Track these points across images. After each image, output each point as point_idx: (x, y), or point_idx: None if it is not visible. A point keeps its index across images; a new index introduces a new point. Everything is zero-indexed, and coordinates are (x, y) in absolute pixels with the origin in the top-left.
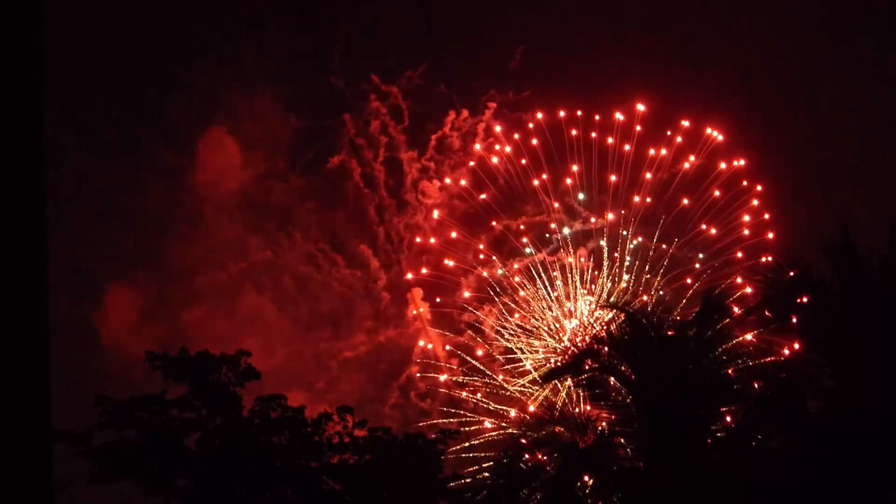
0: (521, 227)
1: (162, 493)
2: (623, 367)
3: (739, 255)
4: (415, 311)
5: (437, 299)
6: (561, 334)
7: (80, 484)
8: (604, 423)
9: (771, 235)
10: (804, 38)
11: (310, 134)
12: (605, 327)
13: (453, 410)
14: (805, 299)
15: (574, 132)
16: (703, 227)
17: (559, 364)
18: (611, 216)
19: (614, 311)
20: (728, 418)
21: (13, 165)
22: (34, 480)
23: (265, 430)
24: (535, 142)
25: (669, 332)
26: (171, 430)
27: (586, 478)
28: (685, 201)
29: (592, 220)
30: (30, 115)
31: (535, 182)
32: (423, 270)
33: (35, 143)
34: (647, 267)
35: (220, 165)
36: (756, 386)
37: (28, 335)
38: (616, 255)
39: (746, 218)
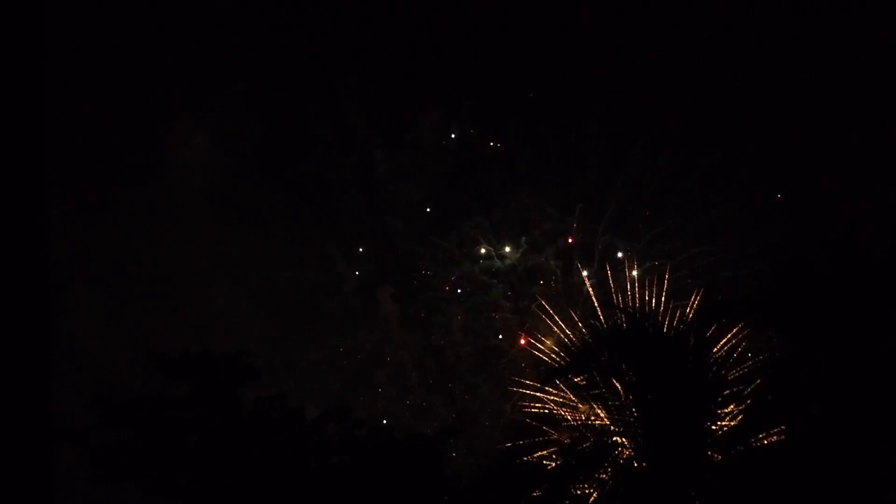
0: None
1: (162, 494)
2: (623, 367)
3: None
4: (385, 312)
5: (411, 300)
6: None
7: (80, 484)
8: (604, 423)
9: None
10: (803, 35)
11: (283, 132)
12: (604, 327)
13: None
14: (806, 297)
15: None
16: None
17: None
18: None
19: (613, 310)
20: (728, 418)
21: (13, 165)
22: (34, 480)
23: (265, 430)
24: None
25: (669, 332)
26: (171, 430)
27: (585, 477)
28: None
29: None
30: (30, 114)
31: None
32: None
33: (35, 141)
34: (641, 263)
35: (190, 162)
36: (755, 386)
37: (28, 335)
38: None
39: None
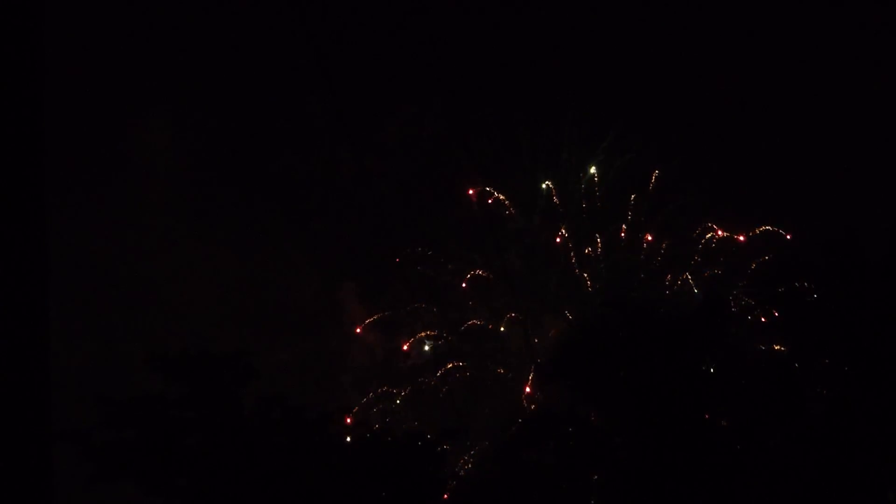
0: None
1: (162, 494)
2: (622, 367)
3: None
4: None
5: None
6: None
7: (80, 484)
8: (603, 422)
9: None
10: (804, 34)
11: (249, 129)
12: (603, 325)
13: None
14: (806, 297)
15: None
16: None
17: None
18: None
19: (612, 308)
20: (728, 418)
21: (13, 164)
22: (34, 480)
23: (265, 430)
24: None
25: (669, 331)
26: (171, 430)
27: (585, 477)
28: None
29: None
30: (30, 114)
31: None
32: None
33: (35, 141)
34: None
35: (152, 158)
36: (756, 385)
37: (28, 334)
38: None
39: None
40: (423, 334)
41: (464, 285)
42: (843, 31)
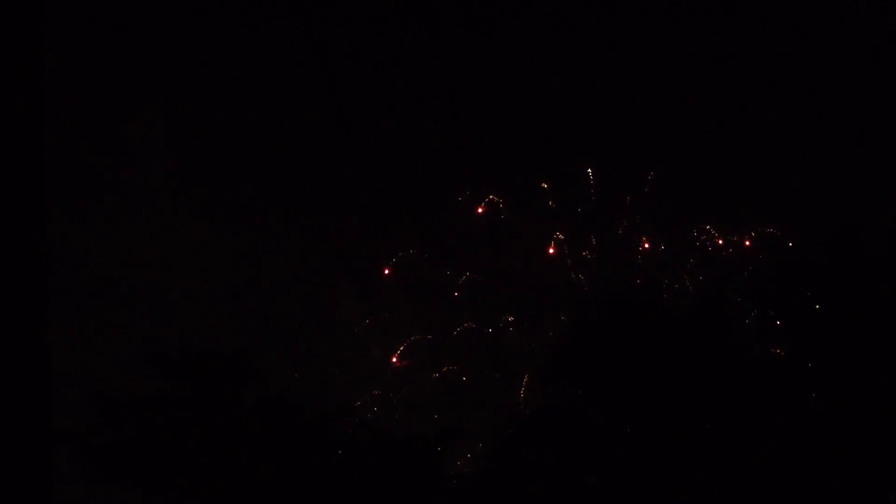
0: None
1: (162, 494)
2: (622, 366)
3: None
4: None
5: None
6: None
7: (80, 484)
8: (602, 422)
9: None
10: (805, 35)
11: (248, 128)
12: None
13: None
14: (805, 297)
15: None
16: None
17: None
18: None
19: (613, 307)
20: (728, 418)
21: (13, 163)
22: (34, 480)
23: (265, 430)
24: None
25: (670, 331)
26: (171, 430)
27: (585, 477)
28: None
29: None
30: (30, 112)
31: None
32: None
33: (35, 140)
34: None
35: (151, 156)
36: (756, 386)
37: (28, 335)
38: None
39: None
40: (419, 336)
41: (456, 293)
42: (842, 30)
